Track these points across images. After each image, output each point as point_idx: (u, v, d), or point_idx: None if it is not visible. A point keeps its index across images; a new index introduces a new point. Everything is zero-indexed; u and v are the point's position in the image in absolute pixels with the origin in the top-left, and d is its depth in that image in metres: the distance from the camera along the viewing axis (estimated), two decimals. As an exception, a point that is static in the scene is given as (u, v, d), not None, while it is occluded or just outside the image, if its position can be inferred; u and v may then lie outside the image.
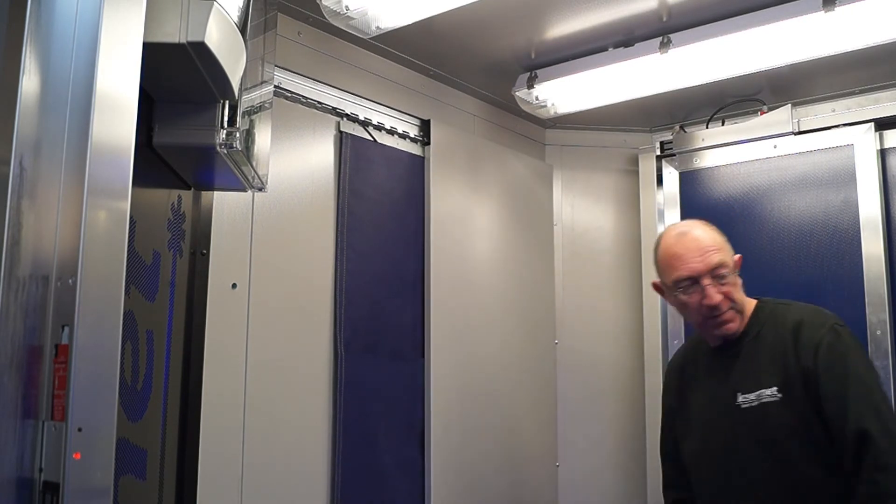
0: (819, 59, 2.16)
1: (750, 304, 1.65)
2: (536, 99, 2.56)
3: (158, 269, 1.52)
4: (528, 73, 2.47)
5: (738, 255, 1.63)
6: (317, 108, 2.12)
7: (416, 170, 2.41)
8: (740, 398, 1.57)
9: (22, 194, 0.88)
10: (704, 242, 1.59)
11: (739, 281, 1.62)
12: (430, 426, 2.28)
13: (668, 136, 2.83)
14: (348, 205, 2.16)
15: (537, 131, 2.99)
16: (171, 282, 1.60)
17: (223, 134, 1.40)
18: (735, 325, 1.60)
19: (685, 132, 2.81)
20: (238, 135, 1.42)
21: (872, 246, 2.31)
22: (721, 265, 1.57)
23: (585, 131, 3.01)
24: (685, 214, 2.70)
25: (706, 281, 1.56)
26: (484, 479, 2.47)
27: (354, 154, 2.20)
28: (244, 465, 1.81)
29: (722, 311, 1.58)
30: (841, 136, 2.42)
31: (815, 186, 2.43)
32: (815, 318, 1.56)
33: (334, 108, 2.16)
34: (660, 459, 1.82)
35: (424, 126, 2.45)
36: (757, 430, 1.54)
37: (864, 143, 2.37)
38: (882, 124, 2.38)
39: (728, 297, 1.58)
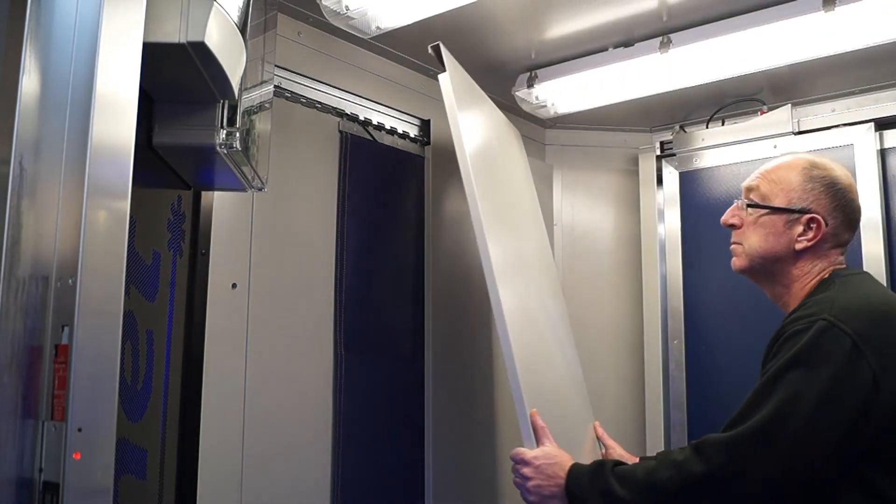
0: (819, 59, 2.16)
1: (805, 271, 1.35)
2: (536, 99, 2.56)
3: (158, 269, 1.52)
4: (528, 73, 2.47)
5: (808, 215, 1.33)
6: (317, 108, 2.12)
7: (416, 170, 2.41)
8: None
9: (22, 194, 0.88)
10: (766, 168, 1.41)
11: (771, 226, 1.36)
12: (430, 426, 2.28)
13: (668, 136, 2.83)
14: (348, 205, 2.16)
15: (537, 131, 2.99)
16: (171, 282, 1.60)
17: (223, 134, 1.40)
18: (737, 262, 1.41)
19: (685, 132, 2.81)
20: (238, 135, 1.42)
21: (872, 246, 2.31)
22: (751, 190, 1.40)
23: (585, 131, 3.02)
24: (685, 214, 2.70)
25: (737, 199, 1.43)
26: (484, 478, 2.47)
27: (354, 154, 2.20)
28: (244, 464, 1.81)
29: (733, 234, 1.42)
30: (841, 136, 2.42)
31: (815, 186, 2.43)
32: (822, 306, 1.22)
33: (334, 108, 2.16)
34: None
35: (424, 126, 2.45)
36: None
37: (864, 143, 2.37)
38: (882, 124, 2.38)
39: (739, 224, 1.40)
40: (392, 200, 2.32)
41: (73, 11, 0.96)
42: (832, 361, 1.15)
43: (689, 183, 2.72)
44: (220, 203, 1.81)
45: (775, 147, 2.53)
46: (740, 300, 2.49)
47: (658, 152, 2.81)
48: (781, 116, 2.54)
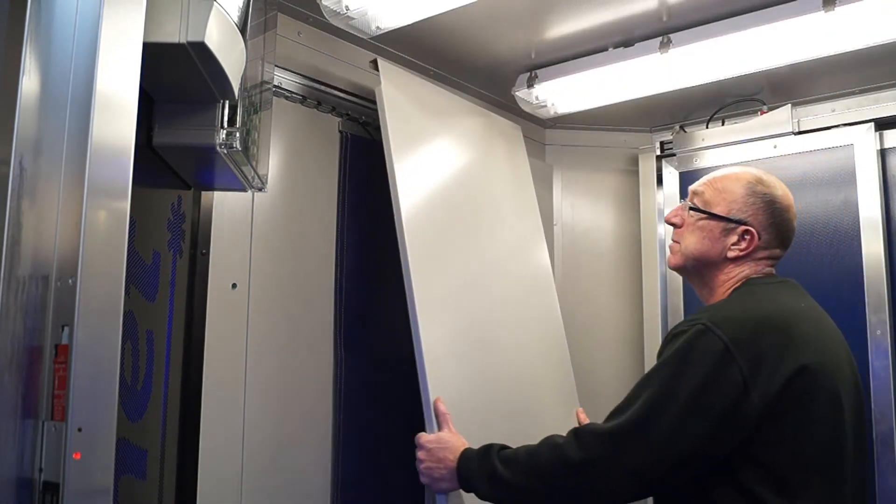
0: (819, 59, 2.16)
1: (730, 276, 1.41)
2: (536, 99, 2.56)
3: (158, 269, 1.52)
4: (528, 73, 2.47)
5: (744, 227, 1.39)
6: (317, 109, 2.12)
7: (416, 170, 2.41)
8: None
9: (22, 194, 0.88)
10: (714, 176, 1.47)
11: (708, 231, 1.42)
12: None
13: (668, 136, 2.83)
14: (348, 205, 2.16)
15: (537, 131, 2.99)
16: (171, 282, 1.60)
17: (223, 134, 1.40)
18: (672, 259, 1.49)
19: (685, 132, 2.81)
20: (238, 135, 1.42)
21: (872, 246, 2.31)
22: (696, 195, 1.46)
23: (585, 131, 3.02)
24: (685, 214, 2.70)
25: (683, 200, 1.51)
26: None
27: (354, 154, 2.20)
28: (244, 465, 1.81)
29: (673, 233, 1.50)
30: (841, 136, 2.42)
31: (815, 186, 2.43)
32: (707, 312, 1.31)
33: (334, 108, 2.16)
34: None
35: (424, 126, 2.45)
36: None
37: (864, 143, 2.37)
38: (882, 124, 2.38)
39: (680, 224, 1.47)
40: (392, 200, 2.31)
41: (73, 11, 0.96)
42: (704, 362, 1.22)
43: (690, 183, 2.68)
44: (220, 203, 1.81)
45: (775, 147, 2.53)
46: (740, 300, 2.49)
47: (658, 152, 2.81)
48: (781, 116, 2.54)
